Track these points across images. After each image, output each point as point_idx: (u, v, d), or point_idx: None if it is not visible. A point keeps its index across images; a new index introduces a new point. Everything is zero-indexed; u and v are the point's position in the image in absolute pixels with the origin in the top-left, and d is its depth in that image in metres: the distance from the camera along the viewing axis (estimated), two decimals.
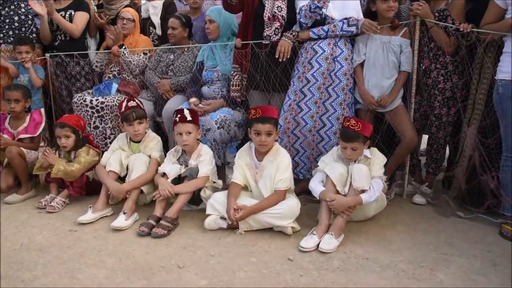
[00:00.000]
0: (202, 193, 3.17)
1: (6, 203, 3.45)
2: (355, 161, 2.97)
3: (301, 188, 3.41)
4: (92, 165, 3.46)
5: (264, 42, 3.43)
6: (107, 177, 3.25)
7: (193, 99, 3.70)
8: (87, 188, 3.45)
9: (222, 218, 2.94)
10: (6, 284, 2.35)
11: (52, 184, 3.49)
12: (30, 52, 4.07)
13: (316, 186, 2.94)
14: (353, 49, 3.40)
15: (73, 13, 4.21)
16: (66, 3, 4.26)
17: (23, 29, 4.20)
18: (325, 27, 3.29)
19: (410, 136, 3.28)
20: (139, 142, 3.41)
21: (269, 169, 2.95)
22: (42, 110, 3.94)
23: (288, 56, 3.35)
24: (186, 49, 4.04)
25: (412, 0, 3.34)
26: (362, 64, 3.37)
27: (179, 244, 2.77)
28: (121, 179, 3.35)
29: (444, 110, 3.30)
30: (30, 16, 4.22)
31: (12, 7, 4.16)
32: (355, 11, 3.31)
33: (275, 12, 3.36)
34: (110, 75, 4.22)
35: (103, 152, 3.55)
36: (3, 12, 4.14)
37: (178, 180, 3.16)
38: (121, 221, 2.99)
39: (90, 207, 3.16)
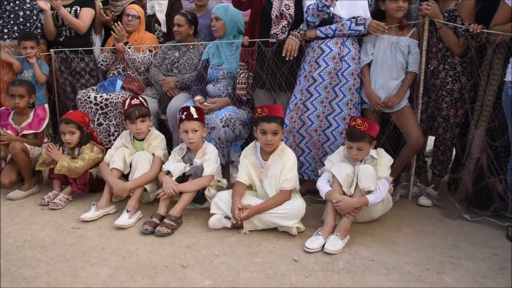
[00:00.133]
0: (206, 192, 3.14)
1: (9, 199, 3.44)
2: (361, 161, 2.94)
3: (306, 188, 3.39)
4: (96, 162, 3.44)
5: (271, 41, 3.40)
6: (110, 175, 3.23)
7: (198, 97, 3.67)
8: (90, 185, 3.43)
9: (227, 217, 2.92)
10: (9, 281, 2.33)
11: (55, 181, 3.47)
12: (35, 48, 4.06)
13: (323, 185, 2.92)
14: (360, 49, 3.37)
15: (78, 9, 4.19)
16: None
17: (28, 24, 4.18)
18: (333, 26, 3.26)
19: (416, 137, 3.25)
20: (142, 140, 3.38)
21: (275, 169, 2.93)
22: (46, 106, 3.91)
23: (295, 55, 3.32)
24: (191, 47, 4.02)
25: (421, 0, 3.31)
26: (369, 64, 3.34)
27: (183, 243, 2.75)
28: (125, 176, 3.33)
29: (452, 112, 3.27)
30: (35, 12, 4.21)
31: (17, 2, 4.15)
32: (363, 10, 3.27)
33: (282, 10, 3.33)
34: (115, 72, 4.20)
35: (107, 149, 3.53)
36: (8, 7, 4.12)
37: (183, 178, 3.14)
38: (125, 219, 2.97)
39: (93, 204, 3.15)
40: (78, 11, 4.19)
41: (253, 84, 3.56)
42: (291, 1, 3.34)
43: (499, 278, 2.40)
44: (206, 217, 2.99)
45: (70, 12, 4.16)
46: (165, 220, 2.91)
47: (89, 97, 3.92)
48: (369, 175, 2.81)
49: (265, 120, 2.89)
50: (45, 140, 3.83)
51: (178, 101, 3.77)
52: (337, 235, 2.70)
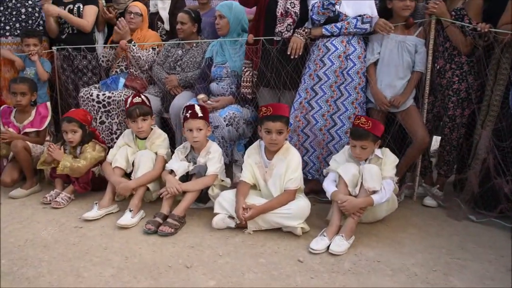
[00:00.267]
0: (210, 191, 3.12)
1: (10, 198, 3.41)
2: (365, 161, 2.92)
3: (310, 188, 3.36)
4: (98, 161, 3.42)
5: (276, 39, 3.37)
6: (113, 174, 3.20)
7: (201, 96, 3.64)
8: (93, 184, 3.40)
9: (231, 217, 2.89)
10: (10, 281, 2.30)
11: (57, 180, 3.44)
12: (37, 45, 4.04)
13: (328, 186, 2.89)
14: (366, 47, 3.34)
15: (81, 7, 4.17)
16: None
17: (30, 21, 4.16)
18: (339, 24, 3.23)
19: (421, 136, 3.22)
20: (145, 138, 3.35)
21: (279, 168, 2.90)
22: (48, 103, 3.89)
23: (300, 53, 3.29)
24: (194, 45, 3.99)
25: None
26: (375, 63, 3.31)
27: (187, 243, 2.72)
28: (127, 175, 3.30)
29: (458, 111, 3.24)
30: (37, 9, 4.19)
31: None
32: (369, 8, 3.24)
33: (288, 8, 3.30)
34: (118, 70, 4.17)
35: (109, 148, 3.50)
36: (10, 4, 4.10)
37: (186, 177, 3.11)
38: (127, 218, 2.94)
39: (96, 203, 3.12)
40: (81, 9, 4.16)
41: (257, 83, 3.53)
42: None
43: (506, 280, 2.37)
44: (210, 217, 2.96)
45: (72, 9, 4.14)
46: (168, 220, 2.88)
47: (91, 95, 3.89)
48: (374, 175, 2.78)
49: (270, 119, 2.86)
50: (47, 138, 3.80)
51: (181, 99, 3.73)
52: (342, 235, 2.67)
